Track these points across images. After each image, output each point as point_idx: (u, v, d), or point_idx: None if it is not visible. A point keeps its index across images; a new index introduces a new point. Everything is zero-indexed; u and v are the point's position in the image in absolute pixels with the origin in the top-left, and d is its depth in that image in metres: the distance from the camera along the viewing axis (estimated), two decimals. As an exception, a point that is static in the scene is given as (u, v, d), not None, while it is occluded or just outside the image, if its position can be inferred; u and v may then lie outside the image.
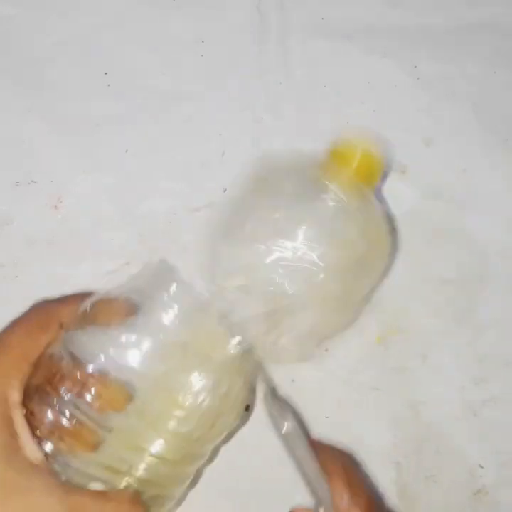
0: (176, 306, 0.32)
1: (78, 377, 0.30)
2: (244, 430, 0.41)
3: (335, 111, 0.50)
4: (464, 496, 0.41)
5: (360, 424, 0.42)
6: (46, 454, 0.29)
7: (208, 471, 0.40)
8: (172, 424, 0.32)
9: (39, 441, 0.30)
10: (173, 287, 0.33)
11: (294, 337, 0.35)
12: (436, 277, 0.46)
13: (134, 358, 0.31)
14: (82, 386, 0.30)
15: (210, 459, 0.38)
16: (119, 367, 0.31)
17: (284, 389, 0.42)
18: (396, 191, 0.48)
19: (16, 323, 0.32)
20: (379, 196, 0.41)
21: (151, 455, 0.32)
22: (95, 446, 0.31)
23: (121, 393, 0.31)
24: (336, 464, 0.34)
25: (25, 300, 0.34)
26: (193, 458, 0.34)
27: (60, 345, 0.32)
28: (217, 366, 0.33)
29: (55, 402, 0.30)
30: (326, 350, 0.44)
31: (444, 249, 0.47)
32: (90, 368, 0.30)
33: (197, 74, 0.51)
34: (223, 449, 0.41)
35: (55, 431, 0.30)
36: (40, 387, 0.31)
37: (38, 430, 0.30)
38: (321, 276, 0.33)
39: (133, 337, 0.31)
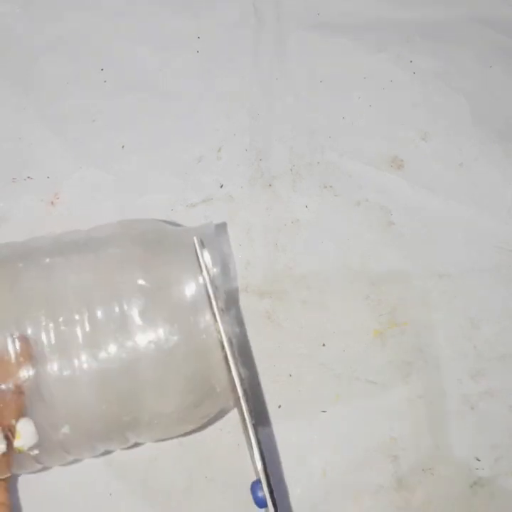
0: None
1: None
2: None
3: (331, 106, 0.50)
4: (460, 488, 0.41)
5: (358, 418, 0.42)
6: None
7: (206, 471, 0.41)
8: None
9: None
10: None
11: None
12: (433, 271, 0.46)
13: None
14: None
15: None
16: None
17: (281, 383, 0.43)
18: (393, 186, 0.48)
19: None
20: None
21: None
22: None
23: None
24: None
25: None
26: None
27: None
28: None
29: None
30: (324, 345, 0.44)
31: (441, 243, 0.47)
32: None
33: (193, 70, 0.51)
34: (223, 449, 0.41)
35: None
36: None
37: None
38: None
39: None
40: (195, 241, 0.34)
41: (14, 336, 0.31)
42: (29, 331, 0.31)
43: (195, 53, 0.51)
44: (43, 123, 0.48)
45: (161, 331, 0.32)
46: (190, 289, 0.33)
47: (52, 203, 0.46)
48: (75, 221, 0.46)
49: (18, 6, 0.52)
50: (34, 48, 0.51)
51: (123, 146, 0.48)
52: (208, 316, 0.33)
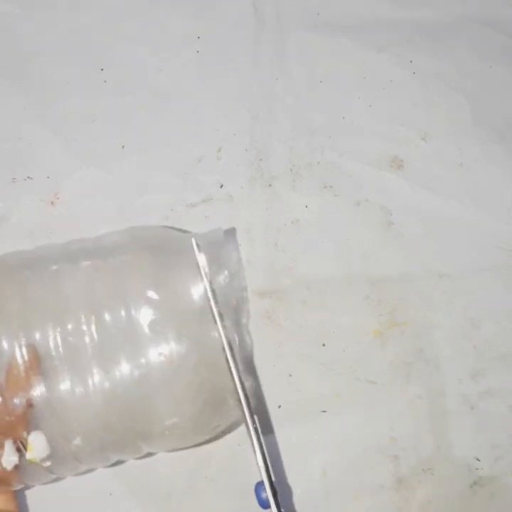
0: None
1: None
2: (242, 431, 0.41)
3: (331, 106, 0.50)
4: (460, 488, 0.41)
5: (358, 418, 0.42)
6: None
7: (206, 471, 0.41)
8: None
9: None
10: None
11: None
12: (433, 271, 0.46)
13: None
14: None
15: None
16: None
17: (281, 383, 0.43)
18: (393, 186, 0.48)
19: None
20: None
21: None
22: None
23: None
24: None
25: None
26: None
27: None
28: None
29: None
30: (324, 345, 0.44)
31: (442, 243, 0.47)
32: None
33: (193, 70, 0.51)
34: (223, 449, 0.41)
35: None
36: None
37: None
38: None
39: None
40: (194, 246, 0.34)
41: (23, 349, 0.31)
42: (38, 344, 0.31)
43: (195, 53, 0.51)
44: (43, 123, 0.48)
45: (170, 342, 0.32)
46: (198, 298, 0.33)
47: (52, 203, 0.46)
48: (75, 221, 0.46)
49: (18, 6, 0.52)
50: (34, 48, 0.51)
51: (123, 146, 0.48)
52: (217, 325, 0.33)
